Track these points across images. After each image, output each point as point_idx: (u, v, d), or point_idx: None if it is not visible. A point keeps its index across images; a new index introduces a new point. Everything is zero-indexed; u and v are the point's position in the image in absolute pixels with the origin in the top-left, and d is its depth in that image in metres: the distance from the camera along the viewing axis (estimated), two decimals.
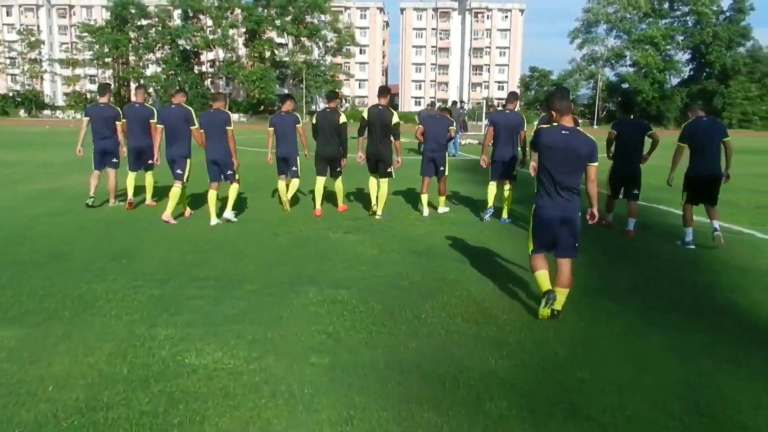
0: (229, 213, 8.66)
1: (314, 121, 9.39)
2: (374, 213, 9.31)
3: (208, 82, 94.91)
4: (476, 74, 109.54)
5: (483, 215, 9.24)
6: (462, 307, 5.06)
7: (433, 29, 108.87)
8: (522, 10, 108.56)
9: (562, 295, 4.85)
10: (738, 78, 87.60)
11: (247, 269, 6.14)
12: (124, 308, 4.89)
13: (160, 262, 6.35)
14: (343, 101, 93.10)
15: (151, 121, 9.33)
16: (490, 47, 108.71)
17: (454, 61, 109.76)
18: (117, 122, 9.53)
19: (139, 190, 9.88)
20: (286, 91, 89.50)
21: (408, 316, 4.83)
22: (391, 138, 9.08)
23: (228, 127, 8.37)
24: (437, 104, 38.12)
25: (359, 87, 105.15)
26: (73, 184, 12.26)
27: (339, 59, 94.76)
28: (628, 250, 7.47)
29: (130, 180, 9.57)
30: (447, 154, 9.76)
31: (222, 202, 8.88)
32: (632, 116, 8.79)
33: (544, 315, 4.79)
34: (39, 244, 7.05)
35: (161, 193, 10.20)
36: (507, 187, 9.09)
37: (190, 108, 8.85)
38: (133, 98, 10.21)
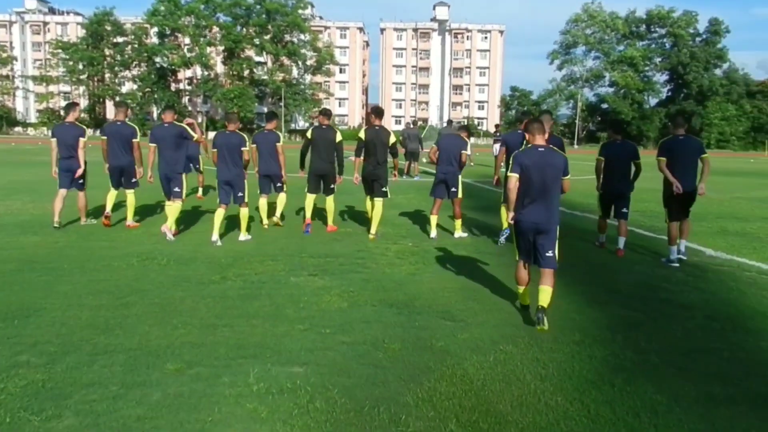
0: (243, 236, 8.74)
1: (309, 136, 9.42)
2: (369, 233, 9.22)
3: (185, 99, 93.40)
4: (456, 94, 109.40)
5: (499, 238, 8.99)
6: (456, 399, 3.70)
7: (413, 49, 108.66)
8: (501, 32, 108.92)
9: (546, 293, 5.24)
10: (715, 99, 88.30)
11: (175, 335, 4.71)
12: None
13: (63, 323, 4.91)
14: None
15: (134, 140, 9.41)
16: (470, 67, 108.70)
17: (434, 80, 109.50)
18: (81, 139, 9.32)
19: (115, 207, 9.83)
20: (265, 110, 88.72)
21: (383, 417, 3.45)
22: (389, 157, 9.18)
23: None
24: (419, 123, 37.21)
25: (339, 106, 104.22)
26: None
27: (319, 78, 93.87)
28: (653, 302, 6.18)
29: (111, 196, 9.51)
30: (460, 175, 9.34)
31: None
32: (620, 137, 8.71)
33: (542, 329, 5.03)
34: None
35: (142, 212, 10.59)
36: None
37: (184, 125, 9.27)
38: (113, 116, 10.17)
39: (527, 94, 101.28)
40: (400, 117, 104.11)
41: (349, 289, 6.14)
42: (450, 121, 25.41)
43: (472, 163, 25.92)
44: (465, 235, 9.36)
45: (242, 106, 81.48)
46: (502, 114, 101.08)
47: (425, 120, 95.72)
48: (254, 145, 9.54)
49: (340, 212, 11.24)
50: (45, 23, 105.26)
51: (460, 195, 9.29)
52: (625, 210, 8.42)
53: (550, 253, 5.32)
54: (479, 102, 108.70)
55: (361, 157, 9.19)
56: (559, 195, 5.40)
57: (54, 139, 9.30)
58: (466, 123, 13.29)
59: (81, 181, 9.44)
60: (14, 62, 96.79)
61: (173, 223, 8.71)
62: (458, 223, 9.41)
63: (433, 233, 9.23)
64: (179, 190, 8.91)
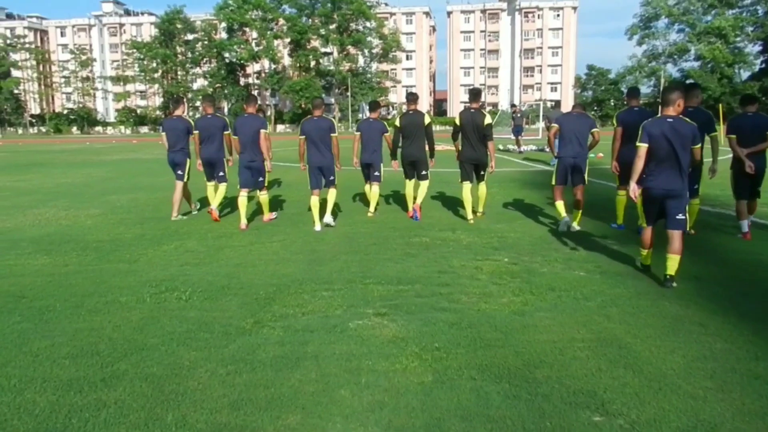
0: (328, 218, 8.78)
1: (398, 124, 9.40)
2: (475, 214, 9.23)
3: (254, 93, 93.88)
4: (528, 76, 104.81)
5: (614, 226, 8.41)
6: None
7: (481, 31, 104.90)
8: (575, 8, 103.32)
9: (674, 261, 5.56)
10: None
11: None
12: None
13: (5, 421, 3.26)
14: (390, 108, 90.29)
15: (225, 132, 9.52)
16: (541, 47, 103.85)
17: (504, 63, 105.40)
18: (189, 135, 9.56)
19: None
20: (332, 100, 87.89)
21: None
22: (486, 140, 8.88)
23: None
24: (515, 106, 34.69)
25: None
26: (21, 224, 9.38)
27: (385, 66, 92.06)
28: None
29: (210, 191, 9.69)
30: (588, 160, 8.40)
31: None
32: (754, 108, 7.86)
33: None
34: None
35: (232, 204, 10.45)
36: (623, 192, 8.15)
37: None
38: (202, 110, 10.14)
39: (605, 72, 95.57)
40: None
41: (433, 344, 4.22)
42: (557, 103, 23.42)
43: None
44: (578, 228, 8.21)
45: (309, 98, 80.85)
46: (576, 95, 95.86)
47: (495, 105, 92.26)
48: (358, 133, 9.67)
49: (413, 221, 9.40)
50: (121, 25, 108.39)
51: (586, 182, 8.38)
52: (758, 188, 7.82)
53: (680, 216, 5.64)
54: (552, 83, 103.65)
55: (459, 141, 8.98)
56: (688, 161, 5.61)
57: (163, 133, 9.72)
58: (582, 102, 11.51)
59: (180, 172, 9.58)
60: (93, 64, 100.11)
61: (268, 210, 9.23)
62: (578, 214, 8.38)
63: (565, 226, 8.18)
64: (263, 180, 9.01)
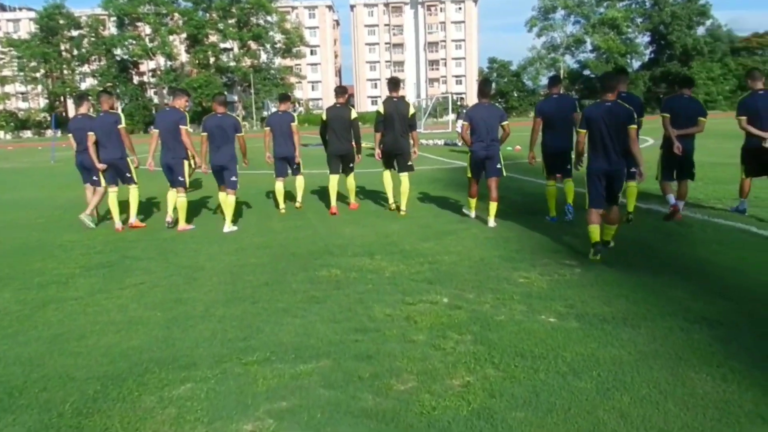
0: (228, 227, 8.27)
1: (324, 117, 9.22)
2: (397, 209, 9.06)
3: (151, 92, 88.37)
4: (433, 69, 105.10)
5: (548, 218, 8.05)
6: None
7: (385, 25, 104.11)
8: (475, 1, 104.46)
9: (611, 230, 6.20)
10: (699, 58, 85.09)
11: None
12: None
13: None
14: (296, 105, 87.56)
15: (119, 126, 8.55)
16: (445, 41, 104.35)
17: (409, 56, 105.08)
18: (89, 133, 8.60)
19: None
20: (235, 98, 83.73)
21: None
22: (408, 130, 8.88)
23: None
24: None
25: (312, 89, 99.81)
26: None
27: (289, 61, 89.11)
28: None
29: (113, 199, 8.72)
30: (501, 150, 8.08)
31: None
32: (688, 91, 7.90)
33: (594, 260, 5.87)
34: None
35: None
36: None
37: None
38: (104, 107, 8.81)
39: (506, 64, 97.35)
40: (376, 97, 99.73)
41: None
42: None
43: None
44: (496, 225, 7.76)
45: (209, 95, 76.64)
46: (478, 81, 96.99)
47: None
48: (268, 128, 9.52)
49: (320, 242, 7.53)
50: None
51: (504, 174, 8.06)
52: (694, 171, 7.91)
53: (616, 194, 6.14)
54: (457, 77, 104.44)
55: (381, 132, 8.75)
56: (626, 142, 5.93)
57: (69, 135, 9.24)
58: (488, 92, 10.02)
59: (95, 178, 8.89)
60: None
61: (184, 217, 8.45)
62: (494, 207, 7.91)
63: (472, 213, 8.33)
64: (183, 179, 8.46)
